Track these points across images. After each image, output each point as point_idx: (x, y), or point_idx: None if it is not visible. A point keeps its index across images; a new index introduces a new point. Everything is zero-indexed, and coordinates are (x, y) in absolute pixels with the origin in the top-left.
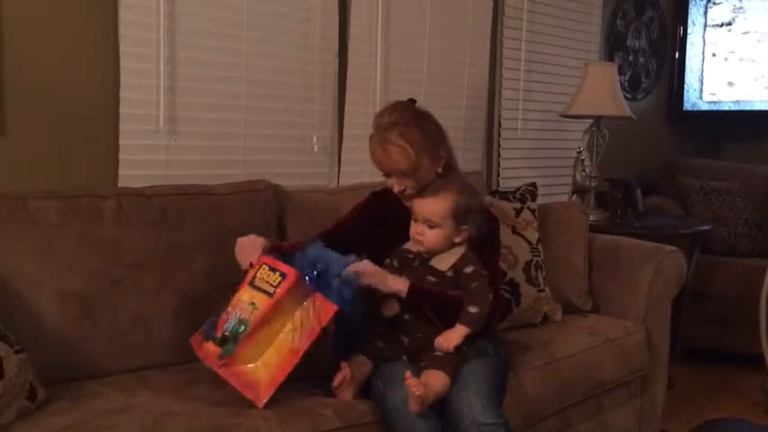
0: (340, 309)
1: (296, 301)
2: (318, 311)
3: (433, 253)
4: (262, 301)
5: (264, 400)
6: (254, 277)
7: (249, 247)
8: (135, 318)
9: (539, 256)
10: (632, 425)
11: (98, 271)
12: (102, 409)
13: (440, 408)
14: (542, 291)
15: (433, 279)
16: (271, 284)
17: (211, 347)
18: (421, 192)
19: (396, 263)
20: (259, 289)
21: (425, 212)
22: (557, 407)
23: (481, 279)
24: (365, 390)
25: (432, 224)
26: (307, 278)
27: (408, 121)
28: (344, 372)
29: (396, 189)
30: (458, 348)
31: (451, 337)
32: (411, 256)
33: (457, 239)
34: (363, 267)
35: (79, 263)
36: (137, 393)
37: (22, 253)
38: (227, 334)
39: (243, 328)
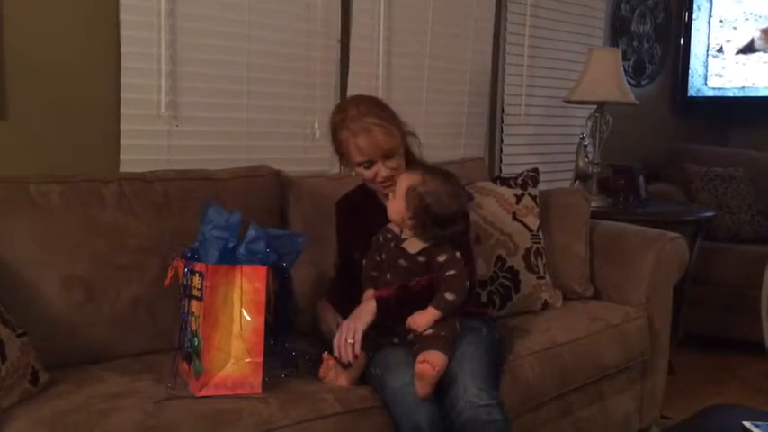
0: (269, 265)
1: (226, 287)
2: (251, 280)
3: (396, 225)
4: (198, 307)
5: (259, 384)
6: (189, 287)
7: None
8: (138, 302)
9: (539, 242)
10: (633, 411)
11: (101, 255)
12: (105, 392)
13: (436, 391)
14: (542, 278)
15: (404, 263)
16: (197, 288)
17: (185, 366)
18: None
19: (381, 238)
20: (194, 297)
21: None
22: (557, 392)
23: (456, 266)
24: (361, 379)
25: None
26: (218, 254)
27: (376, 106)
28: (327, 362)
29: (383, 174)
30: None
31: (422, 321)
32: (390, 235)
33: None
34: (337, 342)
35: (82, 247)
36: (140, 378)
37: (25, 237)
38: (189, 350)
39: (197, 341)
